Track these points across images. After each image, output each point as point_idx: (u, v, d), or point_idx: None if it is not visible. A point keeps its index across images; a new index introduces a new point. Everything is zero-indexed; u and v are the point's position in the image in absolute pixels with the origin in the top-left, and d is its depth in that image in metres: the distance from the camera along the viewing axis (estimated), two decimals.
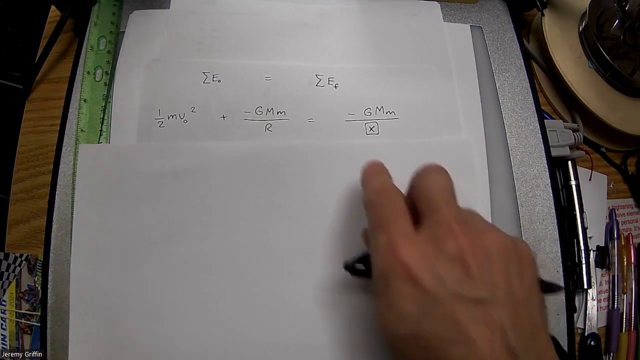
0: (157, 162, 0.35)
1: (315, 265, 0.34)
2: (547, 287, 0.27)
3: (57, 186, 0.36)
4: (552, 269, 0.37)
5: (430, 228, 0.25)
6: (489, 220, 0.36)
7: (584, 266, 0.39)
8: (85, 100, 0.37)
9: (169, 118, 0.37)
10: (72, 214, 0.35)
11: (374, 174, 0.30)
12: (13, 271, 0.37)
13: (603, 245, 0.43)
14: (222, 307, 0.33)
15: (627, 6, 0.43)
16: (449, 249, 0.24)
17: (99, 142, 0.36)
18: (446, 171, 0.27)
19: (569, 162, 0.42)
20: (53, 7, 0.44)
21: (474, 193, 0.36)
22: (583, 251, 0.40)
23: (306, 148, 0.36)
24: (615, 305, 0.41)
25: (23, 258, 0.37)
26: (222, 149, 0.36)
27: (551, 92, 0.46)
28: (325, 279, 0.34)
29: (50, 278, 0.34)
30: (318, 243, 0.34)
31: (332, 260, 0.34)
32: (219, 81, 0.38)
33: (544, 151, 0.39)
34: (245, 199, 0.35)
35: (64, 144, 0.37)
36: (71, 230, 0.34)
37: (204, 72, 0.38)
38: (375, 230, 0.26)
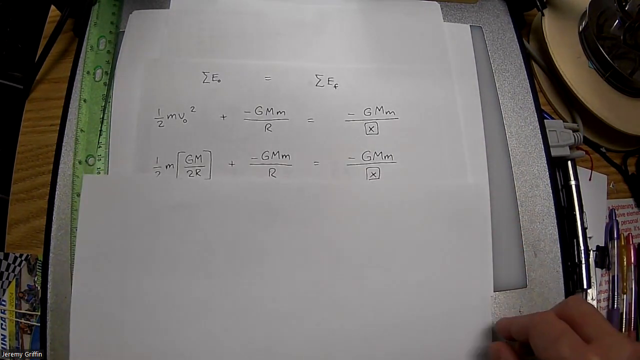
0: (160, 196, 0.35)
1: (316, 310, 0.33)
2: None
3: (57, 186, 0.36)
4: (552, 269, 0.37)
5: (600, 340, 0.27)
6: (490, 221, 0.36)
7: (583, 266, 0.39)
8: (85, 100, 0.37)
9: (168, 117, 0.37)
10: (71, 214, 0.35)
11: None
12: (13, 271, 0.37)
13: (603, 245, 0.43)
14: (220, 345, 0.32)
15: (627, 6, 0.42)
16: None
17: (98, 142, 0.36)
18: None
19: (569, 162, 0.42)
20: (53, 7, 0.44)
21: (473, 194, 0.37)
22: (583, 251, 0.40)
23: (309, 188, 0.36)
24: (615, 306, 0.41)
25: (23, 258, 0.37)
26: (225, 185, 0.35)
27: (551, 92, 0.46)
28: (326, 323, 0.33)
29: (49, 278, 0.34)
30: (318, 285, 0.34)
31: (333, 304, 0.33)
32: (219, 81, 0.38)
33: (543, 151, 0.40)
34: (247, 237, 0.34)
35: (63, 144, 0.37)
36: (71, 240, 0.34)
37: (203, 72, 0.38)
38: (553, 344, 0.28)
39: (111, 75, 0.38)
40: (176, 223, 0.34)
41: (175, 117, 0.37)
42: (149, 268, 0.33)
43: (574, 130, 0.42)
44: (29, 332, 0.36)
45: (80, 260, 0.33)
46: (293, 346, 0.32)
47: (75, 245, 0.34)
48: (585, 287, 0.39)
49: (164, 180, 0.35)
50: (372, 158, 0.37)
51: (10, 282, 0.36)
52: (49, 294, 0.33)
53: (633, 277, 0.42)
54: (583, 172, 0.44)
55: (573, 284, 0.39)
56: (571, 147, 0.42)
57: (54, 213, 0.35)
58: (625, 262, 0.42)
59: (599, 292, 0.41)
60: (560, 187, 0.42)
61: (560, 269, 0.37)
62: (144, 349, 0.32)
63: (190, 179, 0.35)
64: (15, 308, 0.36)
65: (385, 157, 0.37)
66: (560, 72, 0.43)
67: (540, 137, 0.40)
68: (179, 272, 0.33)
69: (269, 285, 0.33)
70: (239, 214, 0.35)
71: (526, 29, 0.48)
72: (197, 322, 0.33)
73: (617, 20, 0.43)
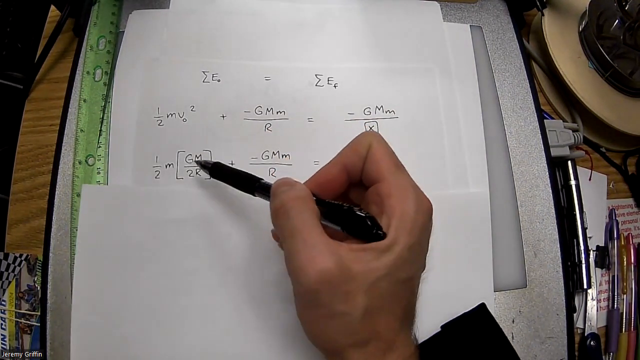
0: (159, 210, 0.34)
1: None
2: None
3: (57, 186, 0.36)
4: (552, 269, 0.37)
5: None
6: (489, 221, 0.36)
7: (583, 266, 0.39)
8: (84, 100, 0.37)
9: (168, 117, 0.37)
10: (71, 214, 0.35)
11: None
12: (13, 271, 0.37)
13: (603, 245, 0.43)
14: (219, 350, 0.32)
15: (627, 6, 0.42)
16: None
17: (98, 142, 0.36)
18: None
19: (569, 162, 0.42)
20: (53, 7, 0.44)
21: (474, 198, 0.37)
22: (583, 251, 0.40)
23: None
24: (615, 305, 0.41)
25: (23, 258, 0.37)
26: (225, 200, 0.35)
27: (551, 92, 0.46)
28: None
29: (49, 278, 0.34)
30: None
31: None
32: (219, 80, 0.38)
33: (543, 151, 0.39)
34: (247, 247, 0.34)
35: (63, 144, 0.37)
36: (71, 240, 0.34)
37: (203, 72, 0.38)
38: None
39: (111, 75, 0.38)
40: (174, 235, 0.34)
41: (175, 117, 0.37)
42: (147, 275, 0.33)
43: (574, 130, 0.42)
44: (29, 332, 0.36)
45: (80, 267, 0.33)
46: (294, 357, 0.32)
47: (75, 245, 0.34)
48: (585, 287, 0.39)
49: (162, 192, 0.35)
50: None
51: (10, 282, 0.36)
52: (48, 294, 0.33)
53: (633, 277, 0.42)
54: (583, 172, 0.43)
55: (573, 284, 0.39)
56: (571, 147, 0.42)
57: (53, 213, 0.35)
58: (625, 262, 0.42)
59: (598, 292, 0.41)
60: (560, 187, 0.42)
61: (560, 269, 0.37)
62: (143, 354, 0.32)
63: (188, 189, 0.35)
64: (15, 308, 0.36)
65: None
66: (560, 72, 0.43)
67: (540, 137, 0.40)
68: (178, 283, 0.33)
69: (271, 292, 0.33)
70: (237, 226, 0.34)
71: (526, 29, 0.48)
72: (195, 327, 0.33)
73: (617, 20, 0.43)
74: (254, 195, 0.30)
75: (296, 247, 0.24)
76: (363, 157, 0.27)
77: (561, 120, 0.43)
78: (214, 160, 0.36)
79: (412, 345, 0.26)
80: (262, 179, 0.30)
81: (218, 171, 0.33)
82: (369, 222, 0.24)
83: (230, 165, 0.33)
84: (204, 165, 0.33)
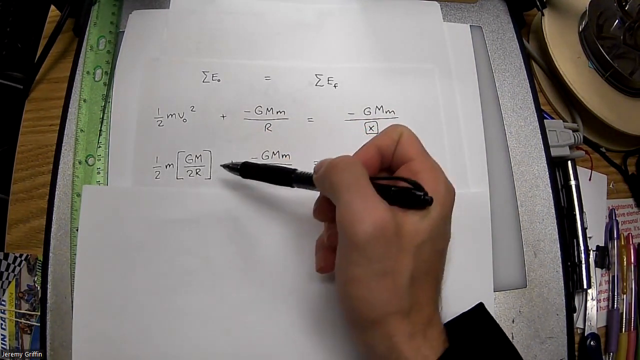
0: (159, 210, 0.34)
1: (317, 312, 0.33)
2: None
3: (57, 186, 0.36)
4: (552, 269, 0.37)
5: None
6: (489, 221, 0.36)
7: (583, 266, 0.39)
8: (84, 100, 0.37)
9: (168, 117, 0.37)
10: (71, 214, 0.35)
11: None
12: (13, 271, 0.37)
13: (603, 245, 0.43)
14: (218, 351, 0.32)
15: (627, 6, 0.42)
16: None
17: (98, 142, 0.36)
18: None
19: (569, 162, 0.42)
20: (53, 7, 0.44)
21: (474, 196, 0.36)
22: (583, 251, 0.40)
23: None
24: (615, 305, 0.41)
25: (23, 258, 0.37)
26: (223, 198, 0.35)
27: (551, 92, 0.46)
28: (332, 329, 0.33)
29: (49, 278, 0.34)
30: (316, 288, 0.33)
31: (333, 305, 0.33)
32: (219, 80, 0.38)
33: (543, 151, 0.40)
34: (246, 250, 0.34)
35: (63, 144, 0.37)
36: (71, 240, 0.34)
37: (203, 72, 0.38)
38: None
39: (111, 75, 0.38)
40: (174, 235, 0.34)
41: (175, 117, 0.37)
42: (147, 275, 0.33)
43: (574, 130, 0.42)
44: (29, 332, 0.36)
45: (81, 267, 0.33)
46: (292, 356, 0.32)
47: (75, 245, 0.34)
48: (585, 287, 0.39)
49: (162, 192, 0.35)
50: None
51: (10, 282, 0.36)
52: (48, 294, 0.33)
53: (633, 277, 0.42)
54: (583, 172, 0.43)
55: (573, 284, 0.39)
56: (571, 147, 0.42)
57: (53, 213, 0.35)
58: (625, 262, 0.42)
59: (598, 292, 0.41)
60: (560, 187, 0.42)
61: (560, 269, 0.37)
62: (143, 354, 0.32)
63: (188, 189, 0.35)
64: (15, 308, 0.36)
65: None
66: (560, 72, 0.43)
67: (540, 137, 0.40)
68: (178, 283, 0.33)
69: (271, 292, 0.33)
70: (237, 225, 0.34)
71: (526, 29, 0.48)
72: (195, 327, 0.33)
73: (617, 20, 0.43)
74: (292, 187, 0.30)
75: (352, 197, 0.24)
76: (395, 141, 0.28)
77: (561, 120, 0.43)
78: (213, 157, 0.36)
79: (442, 327, 0.26)
80: (297, 169, 0.30)
81: (249, 170, 0.33)
82: (416, 190, 0.25)
83: (258, 163, 0.33)
84: (233, 167, 0.33)
